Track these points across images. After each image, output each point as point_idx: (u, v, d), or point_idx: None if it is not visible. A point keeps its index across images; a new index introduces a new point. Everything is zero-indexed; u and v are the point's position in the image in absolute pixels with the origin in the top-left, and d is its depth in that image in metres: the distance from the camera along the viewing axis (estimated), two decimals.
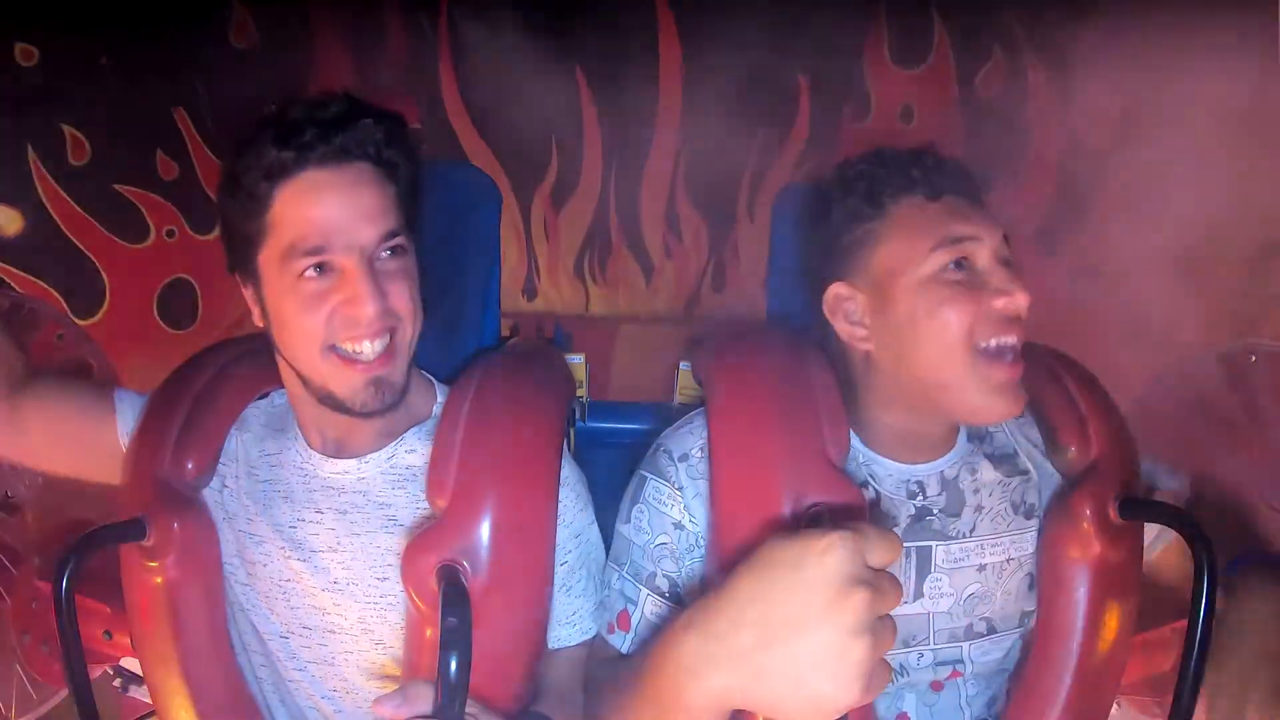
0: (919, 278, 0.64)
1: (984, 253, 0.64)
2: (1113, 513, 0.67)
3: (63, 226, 1.22)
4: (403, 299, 0.65)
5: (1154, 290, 1.24)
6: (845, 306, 0.69)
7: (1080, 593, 0.68)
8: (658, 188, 1.47)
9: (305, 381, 0.67)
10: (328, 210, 0.62)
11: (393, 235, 0.64)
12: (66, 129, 1.20)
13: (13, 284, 1.19)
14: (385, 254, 0.64)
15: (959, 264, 0.63)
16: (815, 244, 0.73)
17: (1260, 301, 1.19)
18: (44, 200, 1.20)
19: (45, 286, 1.22)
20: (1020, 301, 0.62)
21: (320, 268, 0.62)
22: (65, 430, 0.74)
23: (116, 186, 1.25)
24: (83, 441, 0.74)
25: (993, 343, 0.63)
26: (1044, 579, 0.71)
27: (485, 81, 1.38)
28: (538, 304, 1.50)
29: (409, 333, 0.66)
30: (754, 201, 1.47)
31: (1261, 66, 1.13)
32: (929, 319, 0.63)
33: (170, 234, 1.28)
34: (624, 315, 1.46)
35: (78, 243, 1.24)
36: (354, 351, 0.64)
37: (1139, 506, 0.66)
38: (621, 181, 1.46)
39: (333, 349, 0.64)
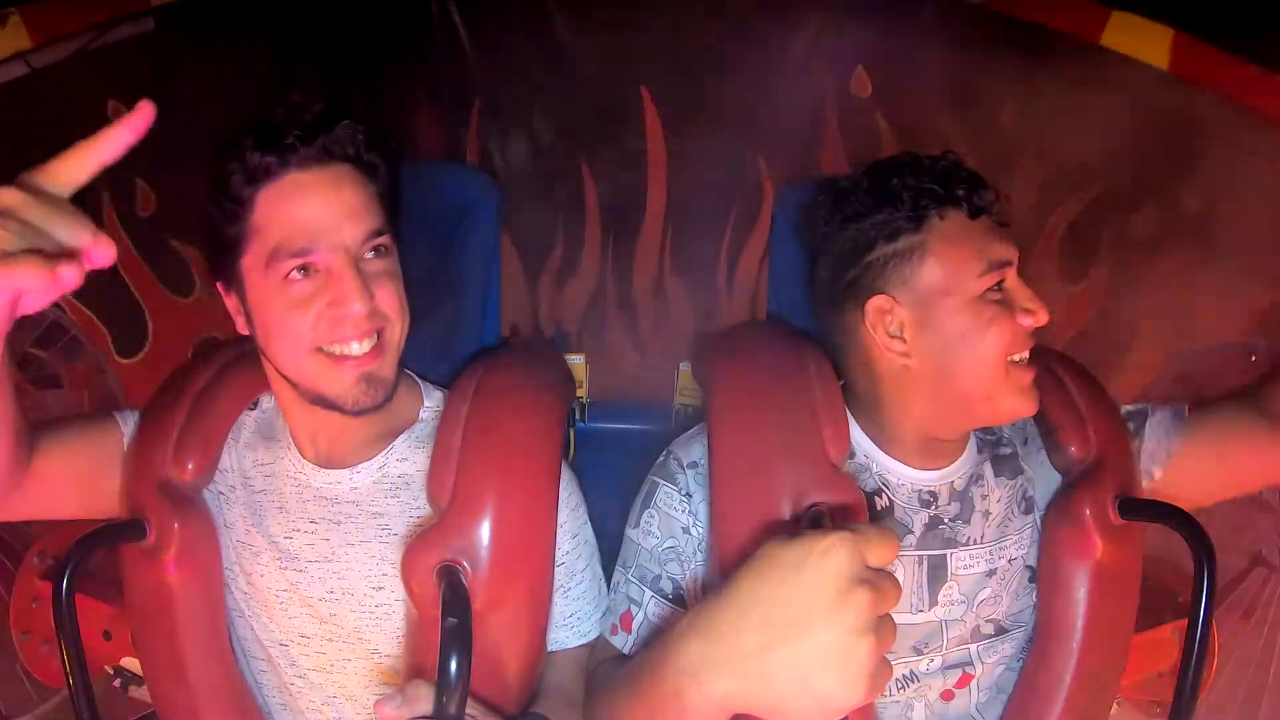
0: (967, 298, 0.66)
1: (1012, 274, 0.68)
2: (1113, 513, 0.67)
3: (121, 270, 1.34)
4: (390, 299, 0.64)
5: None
6: (885, 321, 0.69)
7: (1080, 593, 0.68)
8: (649, 263, 1.66)
9: (294, 385, 0.66)
10: (311, 211, 0.61)
11: (377, 234, 0.64)
12: (139, 182, 1.33)
13: (67, 309, 1.29)
14: (370, 254, 0.64)
15: (998, 285, 0.67)
16: (842, 255, 0.71)
17: None
18: None
19: (95, 320, 1.33)
20: (1043, 319, 0.67)
21: (305, 269, 0.62)
22: (80, 470, 0.70)
23: (172, 241, 1.37)
24: (98, 474, 0.71)
25: (1018, 356, 0.67)
26: (1044, 579, 0.71)
27: (504, 171, 1.59)
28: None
29: (397, 332, 0.66)
30: (732, 278, 1.66)
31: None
32: (979, 337, 0.66)
33: (211, 294, 1.39)
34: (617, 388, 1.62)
35: (132, 286, 1.35)
36: (342, 351, 0.63)
37: (1139, 506, 0.66)
38: (617, 260, 1.66)
39: (320, 350, 0.63)
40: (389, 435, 0.72)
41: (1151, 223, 1.31)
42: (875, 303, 0.68)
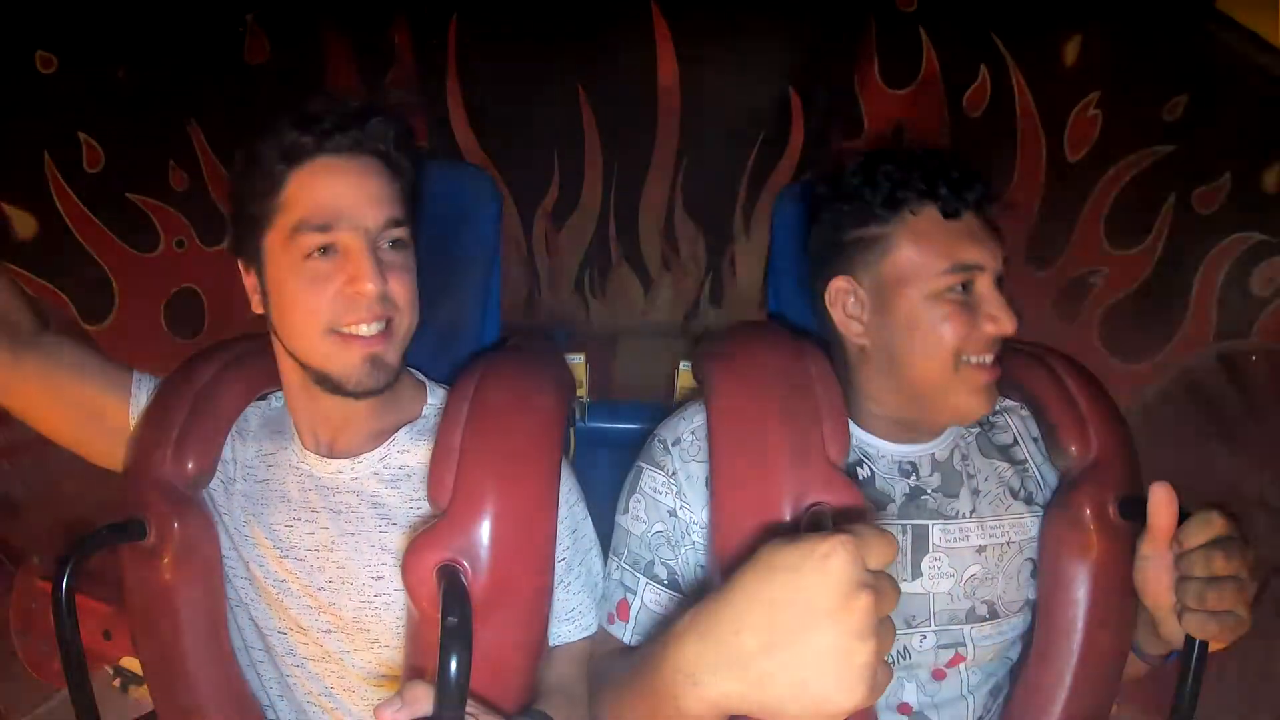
0: (925, 292, 0.68)
1: (985, 279, 0.68)
2: (1113, 513, 0.68)
3: (75, 232, 1.24)
4: (402, 290, 0.67)
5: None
6: (845, 300, 0.72)
7: (1080, 592, 0.68)
8: (656, 204, 1.50)
9: (303, 365, 0.68)
10: (338, 191, 0.65)
11: (396, 224, 0.67)
12: (82, 136, 1.22)
13: (23, 285, 1.19)
14: (387, 244, 0.67)
15: (963, 285, 0.68)
16: (823, 231, 0.75)
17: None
18: (58, 205, 1.22)
19: (55, 290, 1.24)
20: (1007, 329, 0.67)
21: (325, 250, 0.65)
22: (72, 395, 0.72)
23: (129, 195, 1.27)
24: (88, 410, 0.73)
25: (974, 359, 0.68)
26: (1044, 578, 0.71)
27: (492, 101, 1.42)
28: (541, 318, 1.53)
29: (406, 323, 0.68)
30: (751, 216, 1.50)
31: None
32: (928, 331, 0.67)
33: (180, 244, 1.28)
34: (623, 329, 1.49)
35: (89, 248, 1.25)
36: (352, 332, 0.65)
37: (1139, 506, 0.66)
38: (621, 197, 1.49)
39: (332, 330, 0.65)
40: (391, 429, 0.73)
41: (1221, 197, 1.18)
42: (836, 283, 0.72)
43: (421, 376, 0.78)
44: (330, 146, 0.66)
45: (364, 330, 0.65)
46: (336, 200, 0.65)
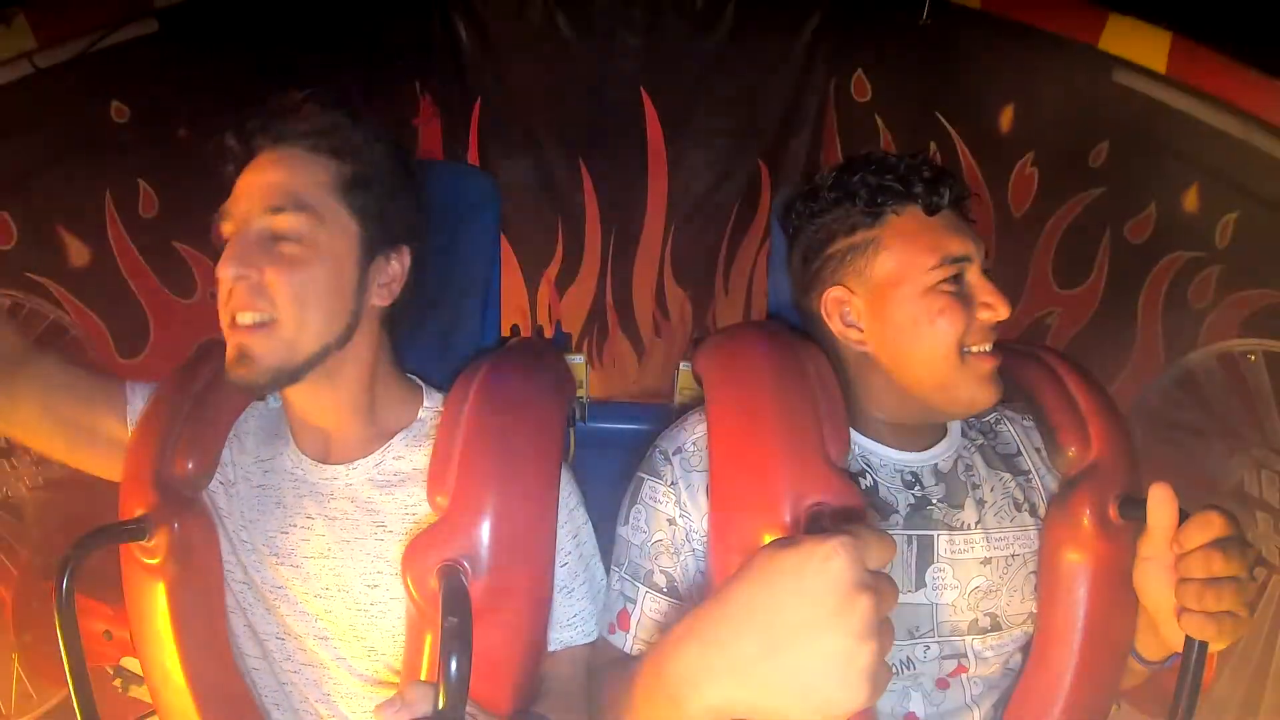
0: (919, 289, 0.69)
1: (974, 269, 0.69)
2: (1113, 513, 0.68)
3: (123, 269, 1.34)
4: (278, 280, 0.63)
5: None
6: (842, 309, 0.73)
7: (1080, 593, 0.68)
8: (648, 269, 1.67)
9: None
10: (239, 184, 0.67)
11: (275, 210, 0.64)
12: (141, 183, 1.33)
13: (66, 307, 1.29)
14: (270, 234, 0.64)
15: (954, 278, 0.69)
16: (807, 248, 0.75)
17: None
18: (111, 242, 1.32)
19: (96, 319, 1.33)
20: (1003, 313, 0.68)
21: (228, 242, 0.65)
22: (66, 413, 0.71)
23: (175, 243, 1.38)
24: (85, 427, 0.72)
25: (975, 349, 0.69)
26: (1044, 579, 0.71)
27: (505, 172, 1.58)
28: None
29: (289, 326, 0.63)
30: (729, 276, 1.67)
31: None
32: (927, 326, 0.68)
33: (213, 296, 1.39)
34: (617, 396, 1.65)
35: (133, 286, 1.36)
36: (235, 321, 0.64)
37: (1139, 507, 0.66)
38: (617, 264, 1.66)
39: (230, 322, 0.65)
40: (387, 434, 0.72)
41: (1150, 225, 1.32)
42: (831, 293, 0.73)
43: (419, 381, 0.77)
44: (258, 146, 0.67)
45: (239, 318, 0.64)
46: (236, 193, 0.66)
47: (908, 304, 0.69)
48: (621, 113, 1.57)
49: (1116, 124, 1.28)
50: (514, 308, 1.57)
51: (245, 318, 0.63)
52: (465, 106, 1.57)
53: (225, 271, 0.63)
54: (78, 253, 1.29)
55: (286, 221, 0.64)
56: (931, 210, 0.70)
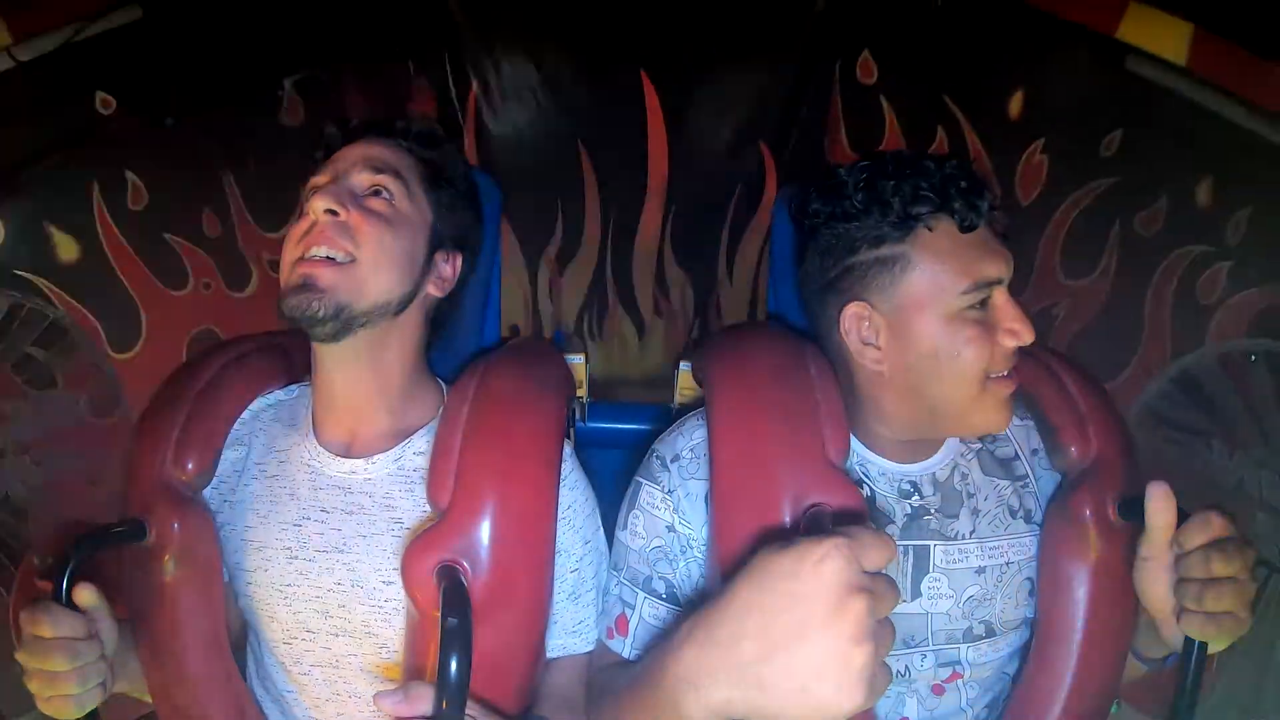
0: (944, 313, 0.64)
1: (1001, 291, 0.65)
2: (1112, 513, 0.68)
3: (113, 262, 1.32)
4: (365, 226, 0.67)
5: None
6: (860, 326, 0.67)
7: (1080, 593, 0.68)
8: (648, 251, 1.63)
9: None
10: (338, 156, 0.73)
11: (376, 169, 0.70)
12: (129, 175, 1.31)
13: (57, 303, 1.28)
14: (368, 190, 0.70)
15: (981, 303, 0.65)
16: (828, 253, 0.69)
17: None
18: (100, 235, 1.31)
19: (87, 314, 1.31)
20: (1026, 340, 0.65)
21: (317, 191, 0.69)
22: None
23: (166, 235, 1.36)
24: None
25: (995, 372, 0.66)
26: (1044, 580, 0.71)
27: (503, 153, 1.54)
28: None
29: (363, 269, 0.67)
30: (732, 261, 1.63)
31: None
32: (952, 355, 0.64)
33: (206, 286, 1.37)
34: (618, 376, 1.61)
35: (124, 279, 1.34)
36: (308, 255, 0.66)
37: (1138, 507, 0.66)
38: (617, 242, 1.62)
39: (300, 258, 0.67)
40: (409, 430, 0.72)
41: (1161, 218, 1.29)
42: (851, 309, 0.67)
43: (440, 381, 0.77)
44: (350, 138, 0.74)
45: (313, 251, 0.66)
46: (336, 156, 0.72)
47: (933, 331, 0.64)
48: (621, 92, 1.54)
49: (1130, 113, 1.24)
50: (515, 282, 1.55)
51: (321, 251, 0.66)
52: (461, 87, 1.53)
53: (319, 204, 0.66)
54: (65, 247, 1.28)
55: (385, 180, 0.70)
56: (967, 227, 0.64)
